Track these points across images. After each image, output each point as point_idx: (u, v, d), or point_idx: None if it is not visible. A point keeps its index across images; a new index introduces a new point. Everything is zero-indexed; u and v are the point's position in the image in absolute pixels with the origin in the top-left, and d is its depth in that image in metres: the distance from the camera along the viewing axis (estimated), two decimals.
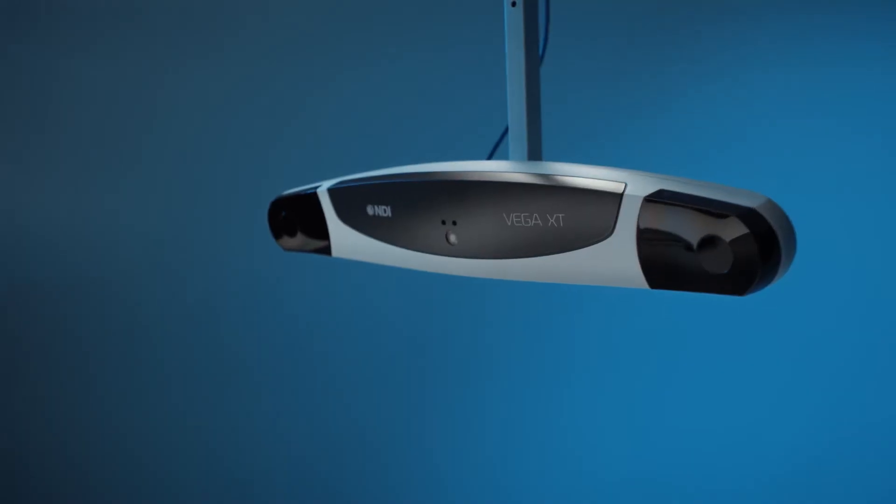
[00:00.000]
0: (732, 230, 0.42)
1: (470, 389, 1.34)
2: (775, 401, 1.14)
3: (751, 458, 1.16)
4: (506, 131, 0.61)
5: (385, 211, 0.60)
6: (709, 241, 0.43)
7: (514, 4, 0.59)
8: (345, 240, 0.65)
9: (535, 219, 0.50)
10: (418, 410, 1.38)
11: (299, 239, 0.70)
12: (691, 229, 0.44)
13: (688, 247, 0.44)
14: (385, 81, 1.30)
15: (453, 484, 1.37)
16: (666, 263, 0.45)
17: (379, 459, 1.42)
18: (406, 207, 0.58)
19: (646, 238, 0.46)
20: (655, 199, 0.45)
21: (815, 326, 1.10)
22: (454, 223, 0.55)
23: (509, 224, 0.52)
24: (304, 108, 1.37)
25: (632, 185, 0.46)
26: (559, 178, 0.50)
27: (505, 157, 0.59)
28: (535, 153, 0.58)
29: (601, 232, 0.47)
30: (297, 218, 0.69)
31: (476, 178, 0.54)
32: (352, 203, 0.63)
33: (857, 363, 1.08)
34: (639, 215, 0.46)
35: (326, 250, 0.68)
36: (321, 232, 0.67)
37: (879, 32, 1.03)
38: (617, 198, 0.46)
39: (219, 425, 1.53)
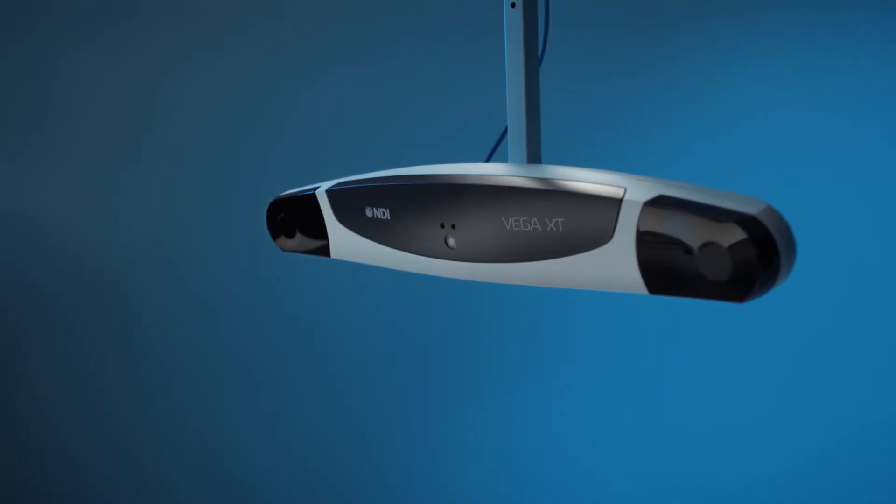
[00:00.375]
0: (732, 237, 0.42)
1: (469, 390, 1.33)
2: (774, 402, 1.14)
3: (750, 458, 1.16)
4: (504, 132, 0.61)
5: (384, 213, 0.59)
6: (708, 248, 0.43)
7: (513, 6, 0.59)
8: (343, 242, 0.65)
9: (535, 223, 0.50)
10: (418, 410, 1.38)
11: (298, 240, 0.69)
12: (691, 235, 0.43)
13: (687, 253, 0.44)
14: (384, 82, 1.30)
15: (453, 484, 1.37)
16: (665, 269, 0.45)
17: (378, 459, 1.42)
18: (405, 210, 0.58)
19: (645, 243, 0.45)
20: (655, 205, 0.45)
21: (814, 327, 1.10)
22: (453, 227, 0.55)
23: (508, 228, 0.51)
24: (304, 108, 1.37)
25: (631, 190, 0.46)
26: (558, 182, 0.49)
27: (504, 158, 0.59)
28: (534, 156, 0.58)
29: (600, 237, 0.47)
30: (295, 219, 0.69)
31: (475, 181, 0.53)
32: (350, 205, 0.62)
33: (857, 364, 1.08)
34: (638, 221, 0.45)
35: (325, 252, 0.68)
36: (320, 233, 0.66)
37: (886, 29, 1.02)
38: (616, 203, 0.46)
39: (219, 425, 1.52)
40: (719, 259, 0.42)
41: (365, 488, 1.44)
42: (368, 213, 0.60)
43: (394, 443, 1.40)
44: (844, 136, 1.05)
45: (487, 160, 0.64)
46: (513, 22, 0.59)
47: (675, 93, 1.13)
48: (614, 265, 0.47)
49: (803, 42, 1.06)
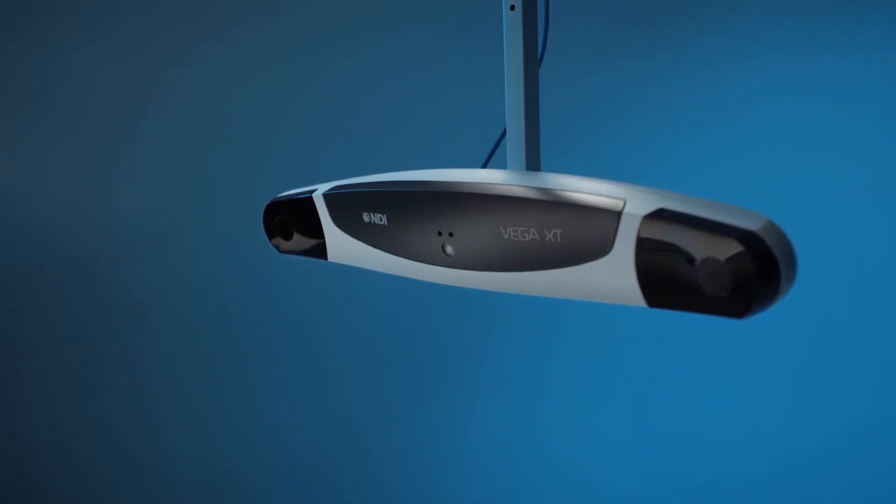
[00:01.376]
0: (732, 253, 0.41)
1: (467, 390, 1.33)
2: (770, 403, 1.13)
3: (746, 459, 1.16)
4: (503, 135, 0.60)
5: (381, 219, 0.59)
6: (708, 263, 0.42)
7: (512, 8, 0.58)
8: (340, 245, 0.64)
9: (533, 233, 0.50)
10: (416, 410, 1.38)
11: (295, 242, 0.69)
12: (690, 250, 0.43)
13: (686, 268, 0.43)
14: (383, 82, 1.29)
15: (452, 484, 1.37)
16: (664, 283, 0.44)
17: (377, 459, 1.42)
18: (402, 217, 0.57)
19: (644, 257, 0.45)
20: (654, 218, 0.44)
21: (813, 328, 1.09)
22: (450, 234, 0.55)
23: (506, 238, 0.51)
24: (303, 107, 1.36)
25: (631, 202, 0.45)
26: (557, 192, 0.49)
27: (503, 162, 0.58)
28: (533, 162, 0.57)
29: (599, 249, 0.47)
30: (292, 221, 0.68)
31: (473, 190, 0.53)
32: (347, 209, 0.62)
33: (857, 365, 1.08)
34: (637, 234, 0.45)
35: (322, 254, 0.68)
36: (317, 236, 0.66)
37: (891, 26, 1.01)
38: (615, 215, 0.45)
39: (218, 425, 1.52)
40: (719, 275, 0.42)
41: (364, 488, 1.44)
42: (365, 217, 0.60)
43: (391, 443, 1.40)
44: (850, 139, 1.04)
45: (485, 165, 0.63)
46: (512, 25, 0.58)
47: (678, 96, 1.12)
48: (613, 278, 0.47)
49: (810, 43, 1.04)
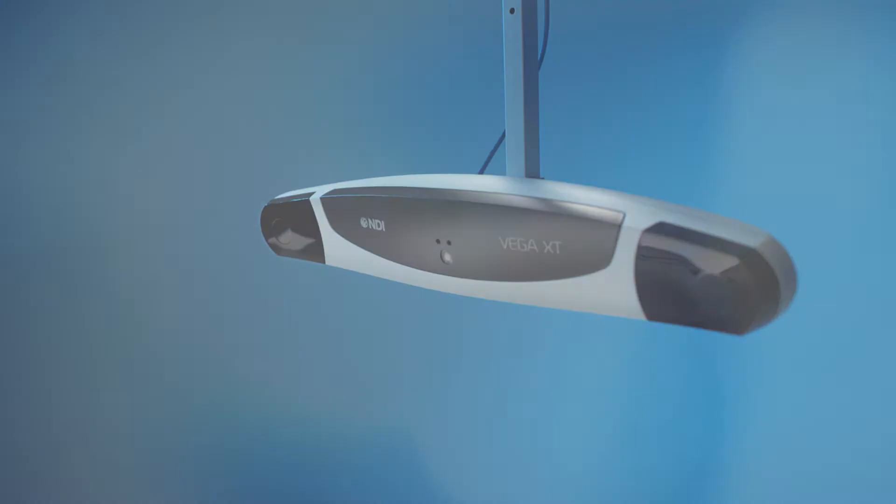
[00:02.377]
0: (732, 269, 0.41)
1: (464, 391, 1.33)
2: (770, 404, 1.13)
3: (745, 460, 1.16)
4: (502, 138, 0.60)
5: (379, 225, 0.59)
6: (707, 279, 0.42)
7: (512, 11, 0.58)
8: (338, 249, 0.64)
9: (531, 244, 0.49)
10: (413, 410, 1.38)
11: (292, 245, 0.69)
12: (690, 265, 0.42)
13: (686, 282, 0.43)
14: (381, 83, 1.28)
15: (449, 485, 1.37)
16: (663, 297, 0.44)
17: (375, 459, 1.42)
18: (400, 224, 0.57)
19: (643, 270, 0.44)
20: (654, 232, 0.43)
21: (811, 328, 1.09)
22: (449, 243, 0.54)
23: (505, 248, 0.51)
24: (302, 106, 1.35)
25: (630, 215, 0.45)
26: (557, 203, 0.48)
27: (503, 162, 0.58)
28: (532, 169, 0.57)
29: (598, 262, 0.46)
30: (290, 224, 0.68)
31: (473, 199, 0.52)
32: (345, 214, 0.61)
33: (856, 365, 1.08)
34: (637, 247, 0.44)
35: (320, 258, 0.67)
36: (314, 239, 0.66)
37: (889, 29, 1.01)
38: (615, 228, 0.45)
39: (216, 425, 1.52)
40: (718, 291, 0.41)
41: (363, 489, 1.44)
42: (363, 223, 0.60)
43: (387, 442, 1.40)
44: (852, 138, 1.03)
45: (483, 169, 0.63)
46: (512, 28, 0.58)
47: (681, 100, 1.11)
48: (612, 290, 0.46)
49: (813, 45, 1.04)
